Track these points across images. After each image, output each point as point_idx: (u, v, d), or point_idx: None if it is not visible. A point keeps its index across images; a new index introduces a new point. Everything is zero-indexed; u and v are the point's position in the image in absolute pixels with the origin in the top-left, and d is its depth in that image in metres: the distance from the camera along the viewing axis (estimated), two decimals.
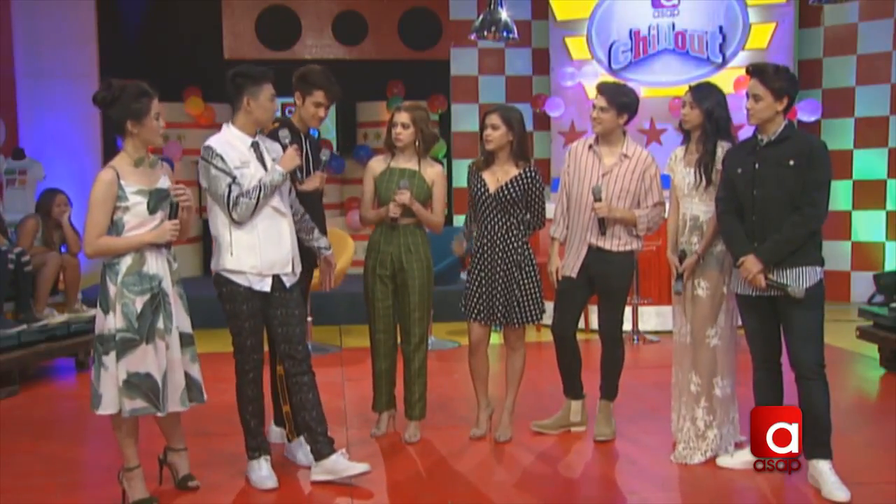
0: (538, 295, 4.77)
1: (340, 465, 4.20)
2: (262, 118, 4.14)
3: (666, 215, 4.78)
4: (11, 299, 6.54)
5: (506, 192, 4.67)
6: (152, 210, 3.90)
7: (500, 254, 4.69)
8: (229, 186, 4.01)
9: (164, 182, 3.98)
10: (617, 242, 4.72)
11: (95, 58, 10.41)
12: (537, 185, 4.73)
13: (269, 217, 4.10)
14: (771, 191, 4.06)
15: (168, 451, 4.23)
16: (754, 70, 4.16)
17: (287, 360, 4.23)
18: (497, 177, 4.70)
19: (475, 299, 4.77)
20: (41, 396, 6.31)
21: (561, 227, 4.86)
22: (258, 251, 4.07)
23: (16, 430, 5.34)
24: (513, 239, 4.70)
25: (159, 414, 3.91)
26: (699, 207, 4.46)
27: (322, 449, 4.21)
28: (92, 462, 4.90)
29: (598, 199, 4.62)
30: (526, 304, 4.73)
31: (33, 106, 10.23)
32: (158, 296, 3.88)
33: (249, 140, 4.12)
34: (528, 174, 4.70)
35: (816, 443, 4.05)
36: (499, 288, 4.70)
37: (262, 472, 4.19)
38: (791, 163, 4.01)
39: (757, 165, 4.10)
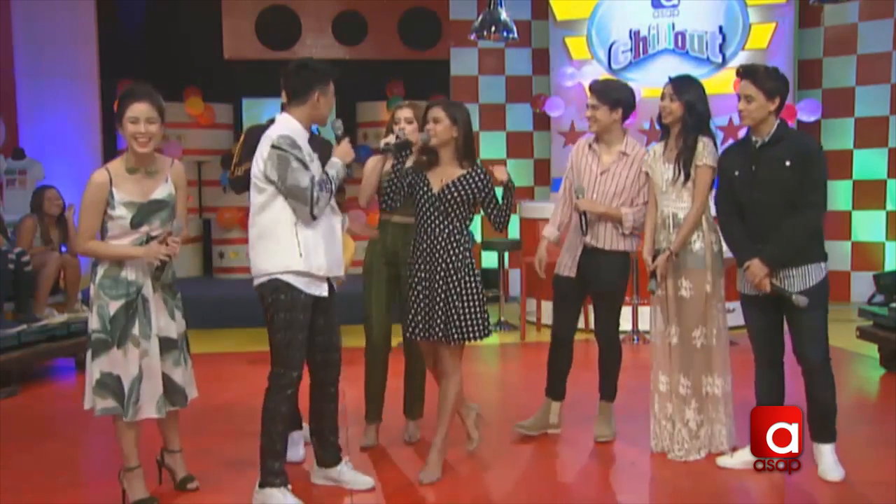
0: (482, 310, 4.23)
1: (346, 476, 4.18)
2: (325, 114, 3.97)
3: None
4: (11, 299, 6.54)
5: (449, 193, 4.21)
6: (135, 225, 3.82)
7: (441, 262, 4.20)
8: (312, 181, 3.75)
9: (161, 192, 3.87)
10: (608, 241, 4.70)
11: (95, 58, 10.42)
12: (487, 185, 4.27)
13: (327, 216, 3.92)
14: (769, 193, 4.07)
15: (164, 453, 4.21)
16: (745, 71, 4.18)
17: (323, 369, 4.11)
18: (440, 177, 4.27)
19: (415, 314, 4.27)
20: (41, 396, 6.31)
21: (553, 228, 4.84)
22: (323, 251, 3.88)
23: (16, 430, 5.34)
24: (455, 245, 4.21)
25: (125, 419, 3.84)
26: (676, 205, 4.43)
27: (330, 457, 4.19)
28: (92, 462, 4.90)
29: (578, 197, 4.65)
30: (467, 318, 4.17)
31: (33, 106, 10.24)
32: (135, 302, 3.80)
33: (307, 135, 3.94)
34: (476, 174, 4.26)
35: (821, 427, 4.18)
36: (439, 299, 4.19)
37: (288, 502, 3.88)
38: (787, 163, 4.03)
39: (754, 168, 4.12)
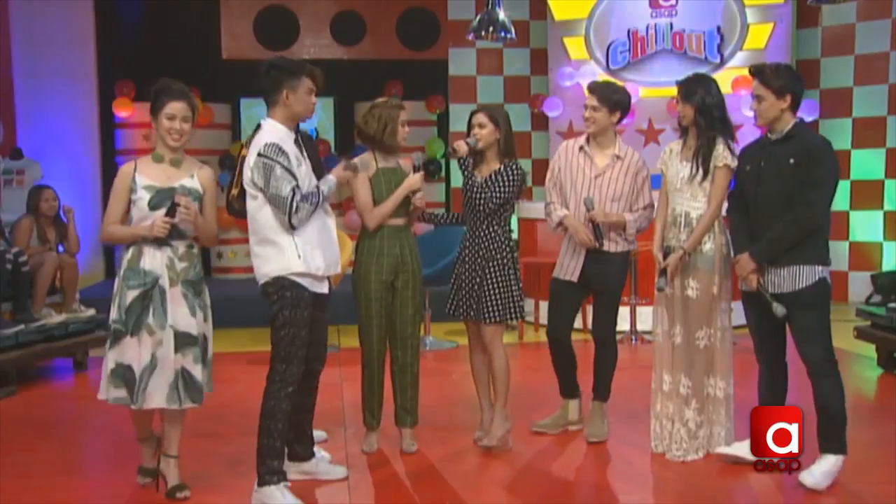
0: (514, 291, 4.61)
1: (321, 467, 4.27)
2: (301, 112, 3.97)
3: (655, 214, 4.74)
4: (9, 299, 6.53)
5: (486, 187, 4.58)
6: (152, 207, 3.93)
7: (482, 248, 4.61)
8: (293, 190, 3.79)
9: (187, 181, 4.00)
10: (613, 244, 4.73)
11: (93, 58, 10.40)
12: (515, 182, 4.58)
13: (320, 217, 3.97)
14: (771, 189, 4.08)
15: (161, 458, 4.13)
16: (754, 71, 4.19)
17: (310, 363, 4.09)
18: (483, 173, 4.65)
19: (457, 296, 4.70)
20: (39, 397, 6.30)
21: (559, 207, 4.77)
22: (320, 252, 3.93)
23: (14, 430, 5.33)
24: (495, 231, 4.61)
25: (133, 407, 3.92)
26: (690, 203, 4.43)
27: (306, 451, 4.26)
28: (90, 462, 4.89)
29: (590, 209, 4.64)
30: (498, 299, 4.57)
31: (31, 106, 10.21)
32: (151, 292, 3.90)
33: (292, 136, 3.97)
34: (506, 170, 4.59)
35: (825, 435, 4.06)
36: (475, 281, 4.61)
37: (288, 501, 3.90)
38: (791, 161, 4.03)
39: (762, 163, 4.14)
